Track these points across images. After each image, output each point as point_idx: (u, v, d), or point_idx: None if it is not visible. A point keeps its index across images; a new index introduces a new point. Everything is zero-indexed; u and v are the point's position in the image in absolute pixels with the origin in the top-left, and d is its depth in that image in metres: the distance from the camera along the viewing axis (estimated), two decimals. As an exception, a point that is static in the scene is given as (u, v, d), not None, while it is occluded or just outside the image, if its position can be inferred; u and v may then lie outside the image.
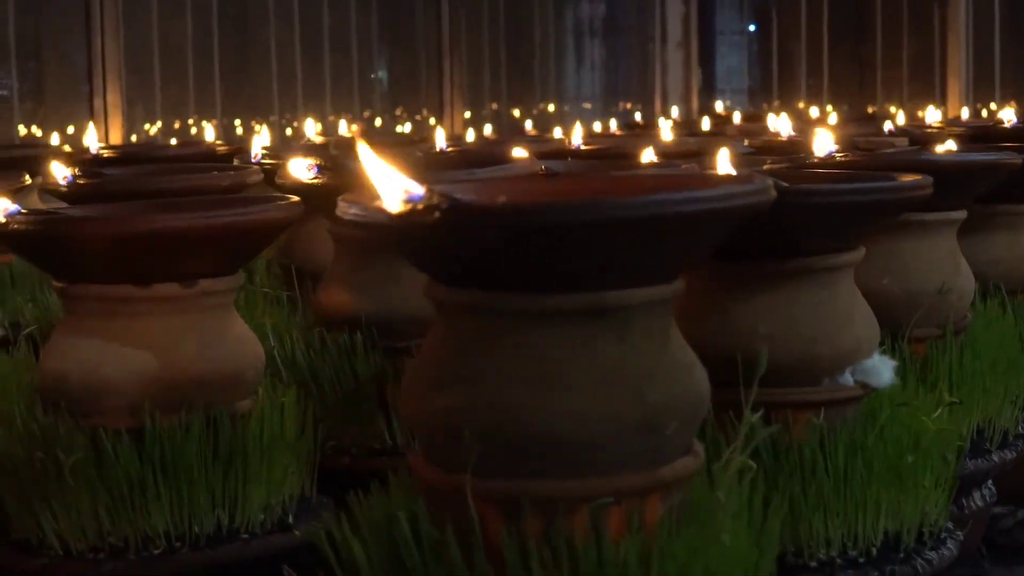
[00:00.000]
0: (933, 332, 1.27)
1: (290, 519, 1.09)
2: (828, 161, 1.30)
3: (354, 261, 1.30)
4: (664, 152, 1.78)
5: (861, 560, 1.01)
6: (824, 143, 1.32)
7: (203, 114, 3.99)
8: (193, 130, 4.10)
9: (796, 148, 1.90)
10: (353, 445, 1.26)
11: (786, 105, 5.49)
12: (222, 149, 2.36)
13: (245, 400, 1.09)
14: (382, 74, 4.64)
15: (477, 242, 0.72)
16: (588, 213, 0.70)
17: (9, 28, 3.48)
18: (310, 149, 1.93)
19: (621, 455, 0.77)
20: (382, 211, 0.74)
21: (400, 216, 0.72)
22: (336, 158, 1.30)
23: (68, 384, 1.05)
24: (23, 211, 1.03)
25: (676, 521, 0.79)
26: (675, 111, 4.96)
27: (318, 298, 1.34)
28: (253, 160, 1.71)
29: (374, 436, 1.28)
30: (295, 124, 4.24)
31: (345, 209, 0.79)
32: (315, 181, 1.24)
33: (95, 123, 3.31)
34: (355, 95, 4.39)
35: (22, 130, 3.65)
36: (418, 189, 0.73)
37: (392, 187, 0.74)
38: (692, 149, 1.86)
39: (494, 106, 4.93)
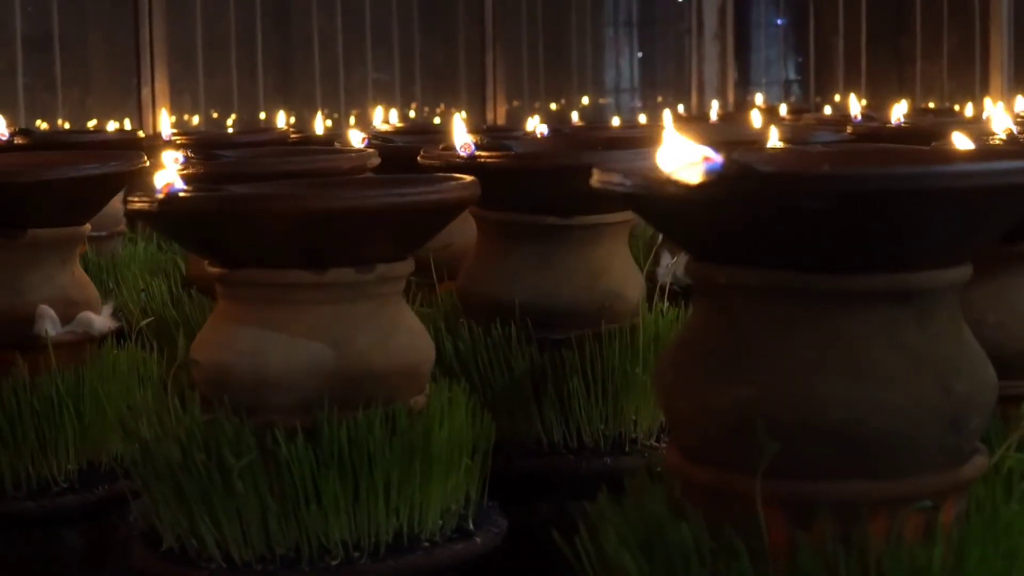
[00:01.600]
0: None
1: (469, 525, 1.00)
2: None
3: (503, 248, 1.21)
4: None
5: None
6: (1001, 121, 1.23)
7: (245, 104, 3.90)
8: (228, 118, 4.02)
9: (915, 134, 1.81)
10: (508, 444, 1.17)
11: (824, 99, 5.42)
12: (295, 136, 2.29)
13: (420, 396, 1.00)
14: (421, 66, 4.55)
15: (791, 213, 0.63)
16: (927, 180, 0.61)
17: (54, 17, 3.39)
18: (384, 137, 1.84)
19: (926, 452, 0.68)
20: (670, 181, 0.65)
21: (702, 186, 0.63)
22: (488, 138, 1.21)
23: (231, 379, 0.96)
24: (188, 188, 0.94)
25: (969, 525, 0.71)
26: (715, 104, 4.87)
27: (463, 287, 1.25)
28: (363, 143, 1.62)
29: (530, 435, 1.19)
30: (336, 115, 4.15)
31: (608, 179, 0.70)
32: (468, 160, 1.15)
33: (142, 113, 3.22)
34: (396, 88, 4.30)
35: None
36: (718, 158, 0.64)
37: (686, 156, 0.65)
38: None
39: (516, 103, 4.84)
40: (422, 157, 1.22)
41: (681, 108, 4.70)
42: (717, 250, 0.69)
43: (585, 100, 5.13)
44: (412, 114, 4.63)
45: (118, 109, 3.45)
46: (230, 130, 2.70)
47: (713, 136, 1.85)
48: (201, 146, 1.51)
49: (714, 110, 4.46)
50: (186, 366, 1.00)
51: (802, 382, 0.67)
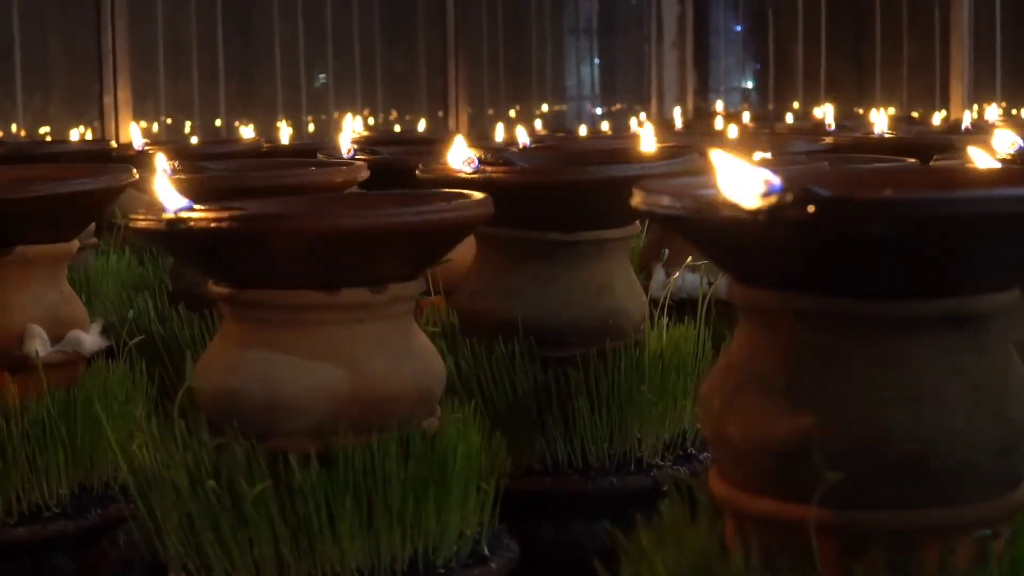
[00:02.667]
0: None
1: (484, 549, 0.97)
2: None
3: (505, 264, 1.19)
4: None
5: None
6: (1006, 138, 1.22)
7: (206, 112, 3.86)
8: (187, 127, 3.98)
9: (905, 147, 1.81)
10: (511, 464, 1.15)
11: (782, 106, 5.43)
12: (267, 145, 2.26)
13: (431, 418, 0.97)
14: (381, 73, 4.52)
15: (853, 239, 0.61)
16: (999, 205, 0.60)
17: (13, 23, 3.34)
18: (372, 149, 1.81)
19: (980, 480, 0.67)
20: (728, 205, 0.63)
21: (763, 211, 0.61)
22: (493, 153, 1.19)
23: (240, 403, 0.93)
24: (196, 207, 0.92)
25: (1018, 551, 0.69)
26: (677, 111, 4.87)
27: (462, 303, 1.22)
28: (347, 155, 1.59)
29: (533, 454, 1.17)
30: (295, 121, 4.13)
31: (655, 200, 0.68)
32: (476, 175, 1.12)
33: (105, 120, 3.18)
34: (357, 95, 4.28)
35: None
36: (777, 180, 0.62)
37: (743, 178, 0.63)
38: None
39: (485, 110, 4.82)
40: (421, 172, 1.19)
41: (643, 115, 4.69)
42: (769, 275, 0.67)
43: (544, 107, 5.12)
44: (371, 121, 4.61)
45: (80, 116, 3.41)
46: (194, 139, 2.66)
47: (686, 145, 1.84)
48: (182, 158, 1.48)
49: (677, 117, 4.46)
50: (191, 388, 0.97)
51: (861, 410, 0.65)
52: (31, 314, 1.18)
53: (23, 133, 3.56)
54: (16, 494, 1.16)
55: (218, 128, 3.88)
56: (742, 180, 0.62)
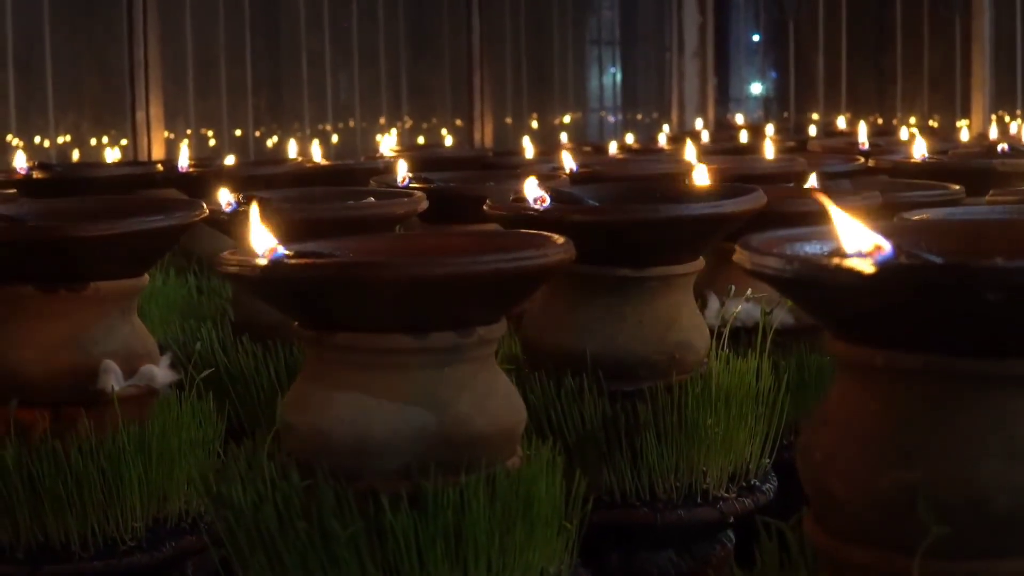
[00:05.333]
0: None
1: (566, 590, 0.99)
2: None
3: (573, 299, 1.21)
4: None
5: None
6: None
7: (235, 126, 3.88)
8: (212, 141, 4.00)
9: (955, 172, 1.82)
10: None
11: (801, 116, 5.44)
12: (309, 164, 2.27)
13: (514, 457, 0.99)
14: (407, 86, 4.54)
15: (965, 303, 0.63)
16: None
17: (45, 40, 3.37)
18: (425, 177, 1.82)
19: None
20: (842, 271, 0.64)
21: (876, 278, 0.62)
22: (553, 187, 1.20)
23: (330, 444, 0.95)
24: (289, 253, 0.93)
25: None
26: (699, 122, 4.88)
27: (529, 337, 1.24)
28: (401, 184, 1.61)
29: (601, 487, 1.19)
30: (321, 129, 4.15)
31: (762, 262, 0.69)
32: (548, 215, 1.14)
33: (137, 135, 3.20)
34: (383, 106, 4.30)
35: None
36: (888, 246, 0.64)
37: (856, 241, 0.64)
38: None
39: (508, 120, 4.84)
40: (489, 208, 1.21)
41: (666, 127, 4.71)
42: (874, 333, 0.68)
43: (567, 118, 5.13)
44: (395, 131, 4.62)
45: (113, 129, 3.43)
46: (230, 158, 2.68)
47: (734, 170, 1.85)
48: (229, 180, 1.49)
49: (700, 127, 4.47)
50: (280, 429, 0.98)
51: (965, 464, 0.67)
52: (105, 349, 1.20)
53: (56, 141, 3.58)
54: (92, 528, 1.17)
55: (239, 137, 3.90)
56: (852, 241, 0.64)
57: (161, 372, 1.24)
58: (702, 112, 5.36)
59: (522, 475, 0.98)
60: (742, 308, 1.37)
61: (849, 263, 0.64)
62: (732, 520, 1.22)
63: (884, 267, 0.63)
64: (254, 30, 3.88)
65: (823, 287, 0.67)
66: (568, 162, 1.85)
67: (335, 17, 4.08)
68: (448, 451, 0.94)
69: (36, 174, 1.99)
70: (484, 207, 1.22)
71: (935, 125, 5.29)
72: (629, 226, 1.14)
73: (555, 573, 0.99)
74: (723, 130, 4.80)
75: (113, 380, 1.19)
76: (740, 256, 0.72)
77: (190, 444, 1.23)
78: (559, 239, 0.98)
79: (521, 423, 1.00)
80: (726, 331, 1.30)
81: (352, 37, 4.16)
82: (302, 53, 4.03)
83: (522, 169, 1.87)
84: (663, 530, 1.20)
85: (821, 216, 0.73)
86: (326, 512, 0.93)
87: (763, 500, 1.24)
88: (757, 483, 1.26)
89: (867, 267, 0.63)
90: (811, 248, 0.75)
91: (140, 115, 3.20)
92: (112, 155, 3.06)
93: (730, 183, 1.39)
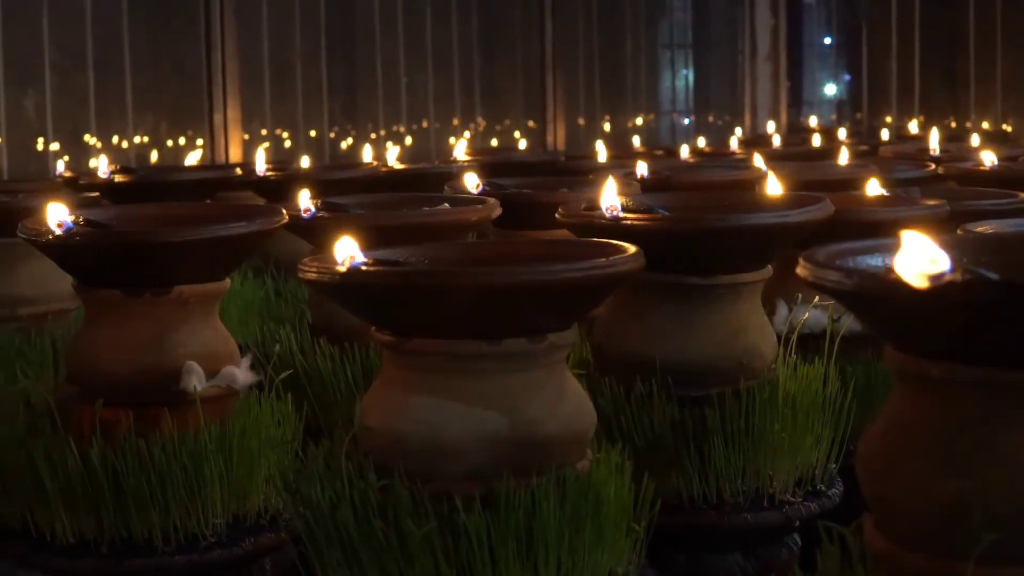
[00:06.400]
0: None
1: (635, 592, 1.02)
2: None
3: (643, 306, 1.23)
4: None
5: None
6: None
7: (311, 127, 3.94)
8: (288, 143, 4.05)
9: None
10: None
11: (874, 119, 5.42)
12: (385, 169, 2.31)
13: (584, 460, 1.02)
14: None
15: (1018, 318, 0.65)
16: None
17: (124, 43, 3.43)
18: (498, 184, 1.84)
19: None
20: (901, 286, 0.67)
21: (935, 293, 0.65)
22: (633, 201, 1.23)
23: (406, 446, 0.98)
24: (368, 260, 0.97)
25: None
26: (771, 125, 4.88)
27: (599, 343, 1.27)
28: (475, 190, 1.64)
29: (670, 490, 1.21)
30: (396, 130, 4.19)
31: (823, 275, 0.72)
32: (620, 223, 1.17)
33: (214, 138, 3.26)
34: (456, 108, 4.33)
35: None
36: (947, 262, 0.66)
37: (917, 255, 0.67)
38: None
39: (580, 121, 4.86)
40: (562, 216, 1.24)
41: (739, 131, 4.71)
42: (931, 346, 0.71)
43: (639, 120, 5.15)
44: (467, 134, 4.66)
45: (191, 130, 3.49)
46: (305, 160, 2.72)
47: (803, 176, 1.87)
48: (306, 185, 1.52)
49: (771, 130, 4.47)
50: (357, 431, 1.02)
51: (1018, 474, 0.69)
52: (188, 351, 1.24)
53: (134, 142, 3.64)
54: (174, 524, 1.21)
55: (314, 138, 3.95)
56: (913, 255, 0.66)
57: (242, 373, 1.27)
58: (774, 115, 5.35)
59: (592, 478, 1.01)
60: (810, 315, 1.39)
61: (905, 279, 0.67)
62: (798, 524, 1.24)
63: (939, 283, 0.65)
64: (329, 34, 3.93)
65: (881, 301, 0.69)
66: (640, 168, 1.87)
67: (409, 22, 4.12)
68: (520, 454, 0.97)
69: (118, 178, 2.04)
70: (556, 215, 1.25)
71: (1008, 130, 5.26)
72: (698, 236, 1.17)
73: (623, 574, 1.02)
74: (796, 133, 4.80)
75: (196, 381, 1.23)
76: (803, 269, 0.74)
77: (269, 443, 1.27)
78: (629, 248, 1.01)
79: (591, 427, 1.03)
80: (794, 338, 1.32)
81: (426, 41, 4.20)
82: (377, 56, 4.08)
83: (594, 175, 1.90)
84: (729, 533, 1.22)
85: (889, 224, 0.76)
86: (401, 512, 0.96)
87: (829, 505, 1.26)
88: (823, 488, 1.28)
89: (923, 283, 0.66)
90: (874, 261, 0.78)
91: (218, 117, 3.26)
92: (190, 156, 3.11)
93: (798, 192, 1.41)
